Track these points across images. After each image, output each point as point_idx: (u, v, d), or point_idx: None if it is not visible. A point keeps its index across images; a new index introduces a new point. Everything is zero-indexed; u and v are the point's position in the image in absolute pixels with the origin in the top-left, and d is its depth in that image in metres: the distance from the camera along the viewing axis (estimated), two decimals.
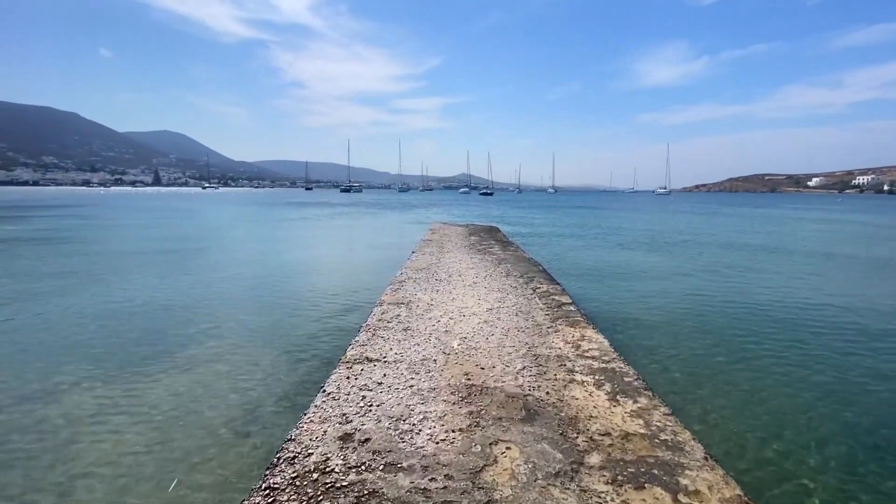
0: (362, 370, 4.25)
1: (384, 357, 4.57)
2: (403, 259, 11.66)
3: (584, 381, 4.22)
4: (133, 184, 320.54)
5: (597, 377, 4.34)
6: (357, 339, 5.08)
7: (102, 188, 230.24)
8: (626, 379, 4.34)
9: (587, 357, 4.86)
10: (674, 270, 13.33)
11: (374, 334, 5.22)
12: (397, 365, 4.39)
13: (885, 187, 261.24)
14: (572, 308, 6.91)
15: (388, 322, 5.73)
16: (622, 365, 4.68)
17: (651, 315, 8.60)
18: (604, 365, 4.65)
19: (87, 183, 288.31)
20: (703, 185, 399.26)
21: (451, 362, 4.53)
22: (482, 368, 4.41)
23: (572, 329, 5.84)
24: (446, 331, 5.50)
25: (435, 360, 4.53)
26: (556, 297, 7.54)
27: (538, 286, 8.41)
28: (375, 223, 29.93)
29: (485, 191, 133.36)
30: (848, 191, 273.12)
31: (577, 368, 4.53)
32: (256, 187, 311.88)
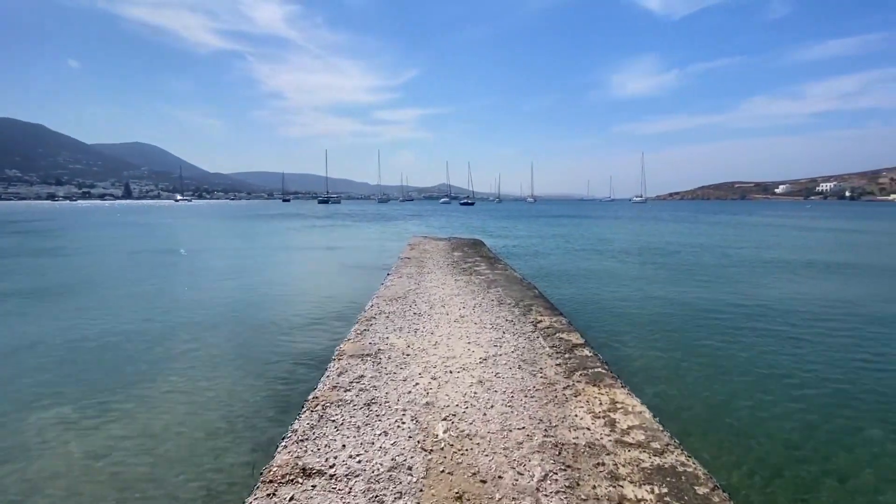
0: (292, 500, 2.64)
1: (330, 467, 2.96)
2: (376, 284, 10.07)
3: (641, 501, 2.72)
4: (102, 197, 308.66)
5: (655, 487, 2.85)
6: (294, 428, 3.45)
7: (68, 201, 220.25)
8: (700, 489, 2.86)
9: (630, 444, 3.37)
10: (684, 293, 12.10)
11: (321, 418, 3.59)
12: (348, 484, 2.79)
13: (847, 193, 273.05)
14: (587, 352, 5.43)
15: (346, 391, 4.12)
16: (683, 458, 3.21)
17: (678, 357, 7.22)
18: (657, 459, 3.17)
19: (52, 197, 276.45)
20: (677, 193, 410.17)
21: (434, 470, 2.96)
22: (483, 481, 2.86)
23: (596, 389, 4.35)
24: (427, 402, 3.93)
25: (410, 470, 2.95)
26: (564, 336, 6.06)
27: (539, 318, 6.93)
28: (350, 237, 28.08)
29: (465, 201, 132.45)
30: (812, 197, 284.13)
31: (622, 470, 3.03)
32: (233, 199, 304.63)
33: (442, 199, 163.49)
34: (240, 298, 10.71)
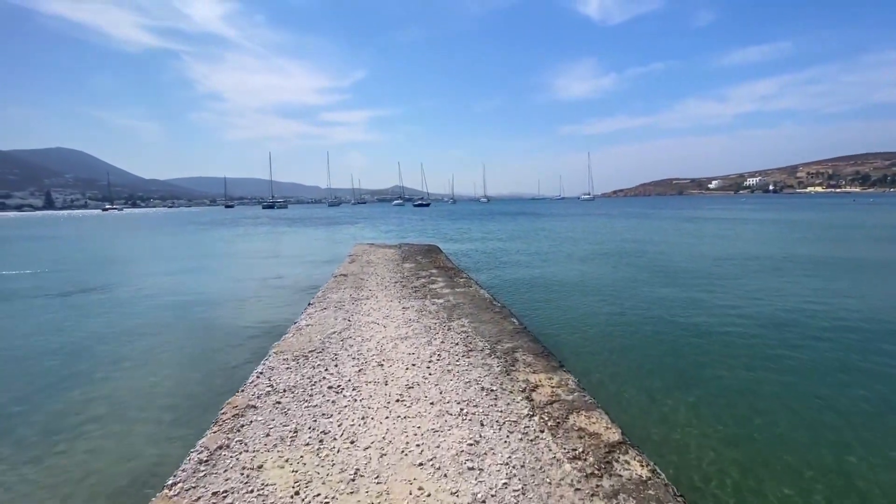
0: None
1: None
2: (289, 317, 7.19)
3: None
4: (19, 208, 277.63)
5: None
6: None
7: None
8: None
9: None
10: (686, 307, 10.05)
11: None
12: None
13: (770, 187, 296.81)
14: (638, 467, 2.93)
15: None
16: None
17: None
18: None
19: None
20: (621, 191, 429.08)
21: None
22: None
23: None
24: None
25: None
26: (584, 420, 3.54)
27: (531, 379, 4.39)
28: (284, 246, 24.43)
29: (419, 202, 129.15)
30: (741, 191, 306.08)
31: None
32: (170, 207, 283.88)
33: (395, 201, 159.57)
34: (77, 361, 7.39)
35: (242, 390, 4.13)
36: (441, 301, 7.87)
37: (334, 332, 5.85)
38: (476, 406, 3.81)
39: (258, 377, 4.41)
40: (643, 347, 6.67)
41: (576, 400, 4.01)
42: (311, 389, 4.11)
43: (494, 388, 4.19)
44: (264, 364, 4.77)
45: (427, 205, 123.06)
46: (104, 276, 14.66)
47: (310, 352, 5.11)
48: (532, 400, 3.97)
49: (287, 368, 4.63)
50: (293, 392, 4.06)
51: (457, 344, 5.45)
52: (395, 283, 9.65)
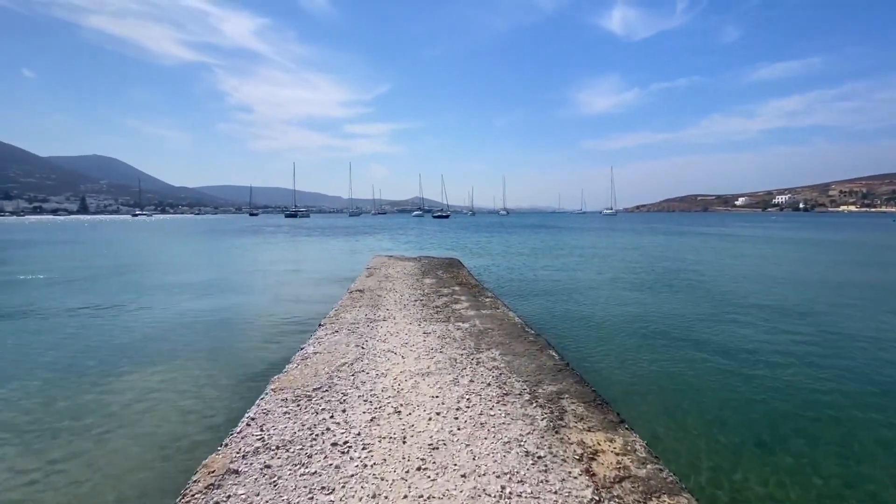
0: None
1: None
2: (297, 341, 6.42)
3: None
4: (55, 212, 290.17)
5: None
6: None
7: (14, 217, 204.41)
8: None
9: None
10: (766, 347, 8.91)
11: None
12: None
13: (801, 205, 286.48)
14: None
15: None
16: None
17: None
18: None
19: None
20: (644, 206, 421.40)
21: None
22: None
23: None
24: None
25: None
26: None
27: (587, 439, 3.46)
28: (302, 257, 23.93)
29: (439, 214, 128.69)
30: (770, 209, 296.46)
31: None
32: (197, 214, 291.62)
33: (415, 213, 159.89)
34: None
35: (226, 444, 3.31)
36: (466, 325, 6.98)
37: (345, 364, 5.01)
38: (522, 482, 2.89)
39: (248, 424, 3.60)
40: (710, 391, 5.62)
41: (652, 476, 3.05)
42: (311, 446, 3.27)
43: (542, 453, 3.27)
44: (258, 406, 3.96)
45: (447, 216, 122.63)
46: (108, 285, 14.28)
47: (314, 389, 4.28)
48: (593, 474, 3.04)
49: (285, 413, 3.81)
50: (288, 450, 3.22)
51: (488, 384, 4.54)
52: (415, 301, 8.81)
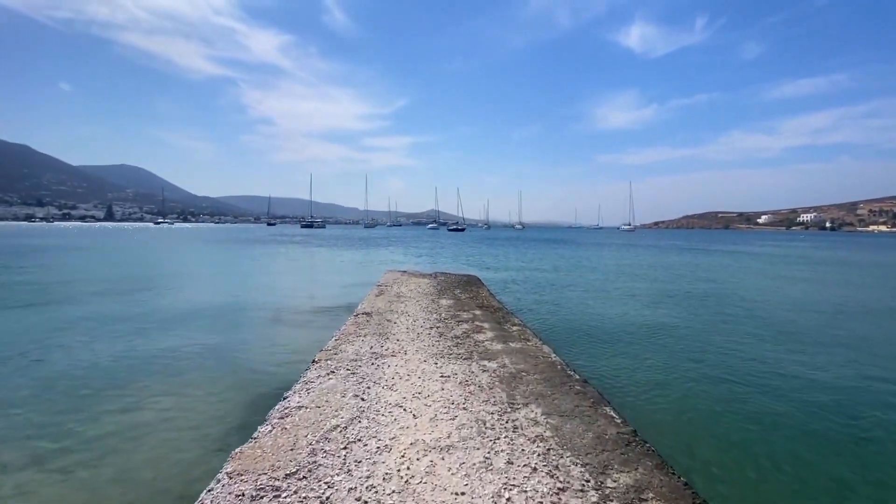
0: None
1: None
2: (282, 383, 5.16)
3: None
4: (83, 219, 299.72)
5: None
6: None
7: (45, 222, 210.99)
8: None
9: None
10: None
11: None
12: None
13: (827, 224, 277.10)
14: None
15: None
16: None
17: None
18: None
19: (29, 217, 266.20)
20: (662, 222, 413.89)
21: None
22: None
23: None
24: None
25: None
26: None
27: None
28: (311, 269, 22.83)
29: (455, 227, 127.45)
30: (794, 227, 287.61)
31: None
32: (218, 223, 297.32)
33: (430, 225, 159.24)
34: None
35: None
36: (494, 365, 5.63)
37: (336, 427, 3.71)
38: None
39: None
40: (828, 467, 4.14)
41: None
42: None
43: None
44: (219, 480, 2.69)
45: (462, 229, 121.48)
46: (94, 300, 13.34)
47: (287, 476, 2.99)
48: None
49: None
50: None
51: (534, 469, 3.19)
52: (430, 328, 7.50)
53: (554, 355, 6.37)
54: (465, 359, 5.87)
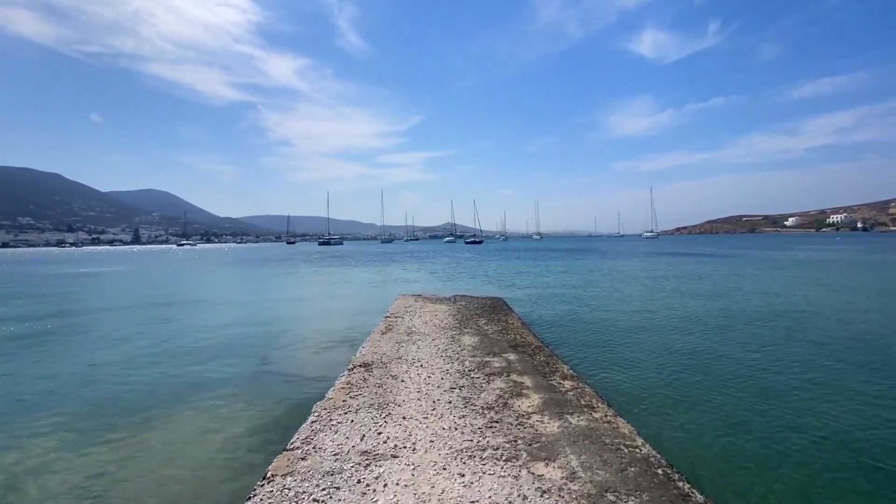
0: None
1: None
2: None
3: None
4: (111, 242, 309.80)
5: None
6: None
7: (75, 247, 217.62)
8: None
9: None
10: None
11: None
12: None
13: (859, 224, 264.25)
14: None
15: None
16: None
17: None
18: None
19: (60, 243, 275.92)
20: (685, 228, 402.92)
21: None
22: None
23: None
24: None
25: None
26: None
27: None
28: (315, 294, 20.54)
29: (472, 239, 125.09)
30: (824, 229, 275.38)
31: None
32: (240, 243, 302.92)
33: (446, 238, 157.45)
34: None
35: None
36: (558, 474, 3.47)
37: None
38: None
39: None
40: None
41: None
42: None
43: None
44: None
45: (480, 242, 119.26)
46: (70, 342, 11.66)
47: None
48: None
49: None
50: None
51: None
52: (450, 390, 5.39)
53: (639, 440, 4.17)
54: (507, 459, 3.72)
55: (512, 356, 7.08)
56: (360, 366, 6.37)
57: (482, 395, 5.29)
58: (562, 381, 5.87)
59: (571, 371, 6.43)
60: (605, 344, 9.50)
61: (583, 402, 5.17)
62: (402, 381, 5.76)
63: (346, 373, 6.13)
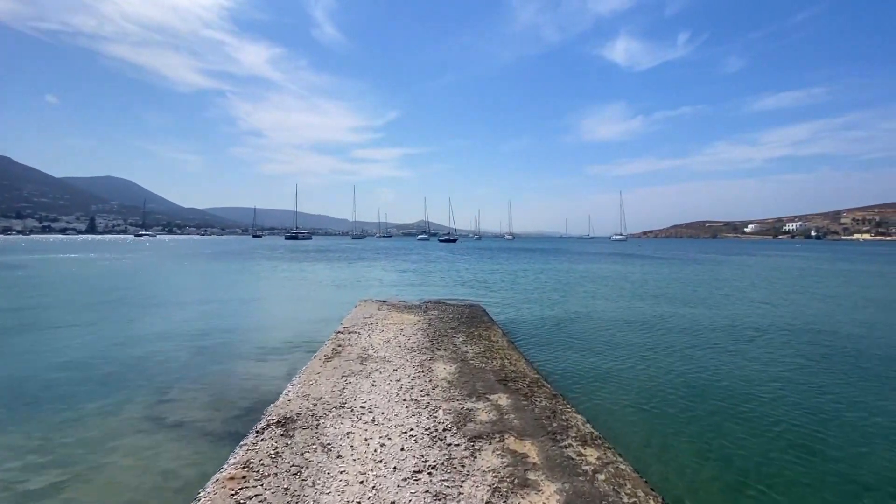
0: None
1: None
2: None
3: None
4: (64, 231, 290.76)
5: None
6: None
7: (21, 235, 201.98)
8: None
9: None
10: None
11: None
12: None
13: (813, 233, 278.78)
14: None
15: None
16: None
17: None
18: None
19: (6, 230, 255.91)
20: (651, 232, 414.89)
21: None
22: None
23: None
24: None
25: None
26: None
27: None
28: (263, 297, 17.39)
29: (446, 237, 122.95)
30: (780, 236, 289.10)
31: None
32: (203, 234, 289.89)
33: (420, 236, 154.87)
34: None
35: None
36: None
37: None
38: None
39: None
40: None
41: None
42: None
43: None
44: None
45: (454, 240, 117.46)
46: None
47: None
48: None
49: None
50: None
51: None
52: (414, 473, 3.35)
53: None
54: None
55: (503, 398, 5.07)
56: (277, 423, 4.18)
57: (465, 485, 3.25)
58: (581, 450, 3.91)
59: (590, 427, 4.47)
60: (599, 361, 7.67)
61: (621, 490, 3.23)
62: (339, 455, 3.64)
63: (247, 440, 3.93)
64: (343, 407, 4.62)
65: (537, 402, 5.06)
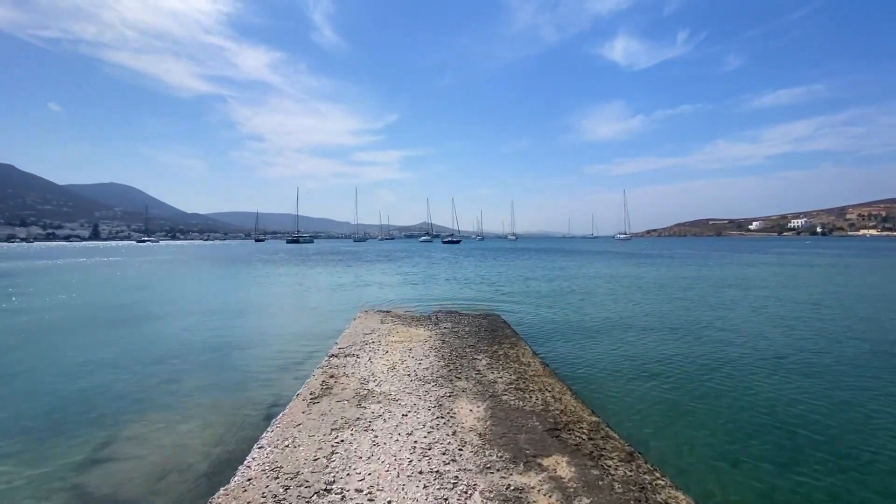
0: None
1: None
2: None
3: None
4: (67, 238, 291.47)
5: None
6: None
7: (25, 243, 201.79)
8: None
9: None
10: None
11: None
12: None
13: (818, 229, 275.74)
14: None
15: None
16: None
17: None
18: None
19: (10, 238, 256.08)
20: (654, 231, 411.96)
21: None
22: None
23: None
24: None
25: None
26: None
27: None
28: (254, 309, 15.88)
29: (449, 239, 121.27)
30: (785, 233, 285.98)
31: None
32: (206, 239, 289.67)
33: (422, 238, 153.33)
34: None
35: None
36: None
37: None
38: None
39: None
40: None
41: None
42: None
43: None
44: None
45: (457, 242, 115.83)
46: None
47: None
48: None
49: None
50: None
51: None
52: None
53: None
54: None
55: (562, 464, 3.51)
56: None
57: None
58: None
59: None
60: (649, 381, 6.08)
61: None
62: None
63: None
64: (329, 491, 3.06)
65: (611, 469, 3.49)
